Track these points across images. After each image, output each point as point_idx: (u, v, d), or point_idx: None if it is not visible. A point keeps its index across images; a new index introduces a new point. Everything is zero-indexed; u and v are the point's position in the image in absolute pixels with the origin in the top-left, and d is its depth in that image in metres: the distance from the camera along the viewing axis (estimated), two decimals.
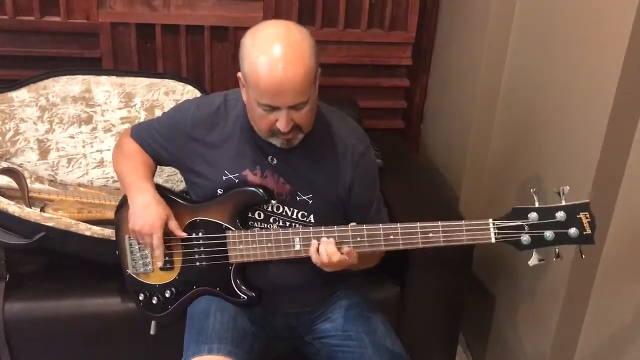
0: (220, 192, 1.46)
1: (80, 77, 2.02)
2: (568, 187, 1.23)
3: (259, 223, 1.46)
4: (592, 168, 1.46)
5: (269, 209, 1.45)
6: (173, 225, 1.45)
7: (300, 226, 1.44)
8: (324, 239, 1.36)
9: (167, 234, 1.46)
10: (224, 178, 1.45)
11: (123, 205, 1.55)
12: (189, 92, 2.08)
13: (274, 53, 1.24)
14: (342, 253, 1.34)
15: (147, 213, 1.42)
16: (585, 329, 1.62)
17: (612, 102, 1.39)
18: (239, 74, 1.35)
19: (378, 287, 1.81)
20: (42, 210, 1.75)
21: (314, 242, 1.37)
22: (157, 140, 1.53)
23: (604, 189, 1.46)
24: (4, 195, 1.77)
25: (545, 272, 1.69)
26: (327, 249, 1.34)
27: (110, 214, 1.73)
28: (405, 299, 1.83)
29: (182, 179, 2.02)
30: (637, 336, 1.56)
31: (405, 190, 1.96)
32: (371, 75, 2.44)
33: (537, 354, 1.75)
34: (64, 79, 2.01)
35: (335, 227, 1.36)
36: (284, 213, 1.45)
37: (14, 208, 1.66)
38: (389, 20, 2.34)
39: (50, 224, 1.66)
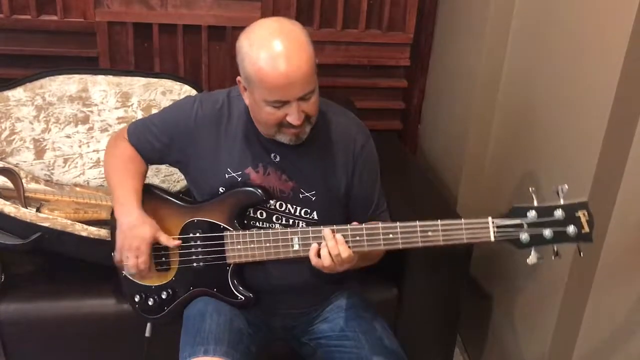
0: (222, 191, 1.45)
1: (76, 77, 2.01)
2: (567, 186, 1.23)
3: (261, 222, 1.46)
4: (592, 169, 1.45)
5: (272, 207, 1.45)
6: (163, 239, 1.43)
7: (302, 224, 1.44)
8: (328, 241, 1.33)
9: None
10: (226, 176, 1.45)
11: None
12: (186, 92, 2.07)
13: (275, 48, 1.25)
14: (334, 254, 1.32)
15: (131, 235, 1.41)
16: (584, 330, 1.61)
17: (612, 101, 1.38)
18: (239, 78, 1.35)
19: (376, 289, 1.81)
20: (38, 210, 1.74)
21: (314, 246, 1.35)
22: (158, 138, 1.50)
23: (604, 189, 1.45)
24: None
25: (543, 274, 1.69)
26: (338, 248, 1.31)
27: (106, 215, 1.73)
28: (402, 300, 1.82)
29: (180, 178, 2.03)
30: (635, 337, 1.56)
31: (403, 192, 1.96)
32: (369, 75, 2.44)
33: (534, 356, 1.75)
34: (60, 78, 2.00)
35: (335, 227, 1.35)
36: (286, 210, 1.45)
37: (9, 208, 1.64)
38: (387, 21, 2.34)
39: (46, 224, 1.65)
